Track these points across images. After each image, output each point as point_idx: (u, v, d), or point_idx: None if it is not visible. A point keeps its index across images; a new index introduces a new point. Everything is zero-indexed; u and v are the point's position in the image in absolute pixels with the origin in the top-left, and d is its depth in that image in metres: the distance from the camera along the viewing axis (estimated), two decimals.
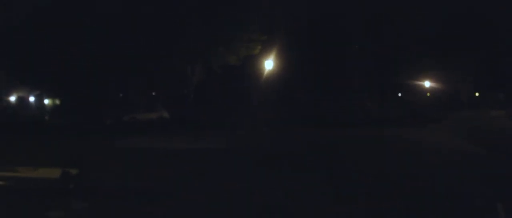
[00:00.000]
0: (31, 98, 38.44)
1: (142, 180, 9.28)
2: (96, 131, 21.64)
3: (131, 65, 25.91)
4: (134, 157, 13.06)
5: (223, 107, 30.88)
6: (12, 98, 37.60)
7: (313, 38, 33.58)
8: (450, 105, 38.59)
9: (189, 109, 28.81)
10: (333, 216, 7.01)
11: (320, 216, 7.04)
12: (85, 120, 25.38)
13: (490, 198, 7.57)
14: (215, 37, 25.67)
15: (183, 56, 26.50)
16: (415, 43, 36.25)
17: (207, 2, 25.01)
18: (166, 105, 30.78)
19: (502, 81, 40.20)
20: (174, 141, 17.44)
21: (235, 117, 27.38)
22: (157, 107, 29.91)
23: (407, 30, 35.77)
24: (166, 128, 23.71)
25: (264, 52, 26.99)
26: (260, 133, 21.80)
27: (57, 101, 36.91)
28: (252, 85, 30.61)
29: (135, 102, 31.36)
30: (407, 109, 33.27)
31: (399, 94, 42.75)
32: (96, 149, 14.91)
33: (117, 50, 24.82)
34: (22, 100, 37.91)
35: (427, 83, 39.34)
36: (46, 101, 38.85)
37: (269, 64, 26.06)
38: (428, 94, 42.94)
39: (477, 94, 45.41)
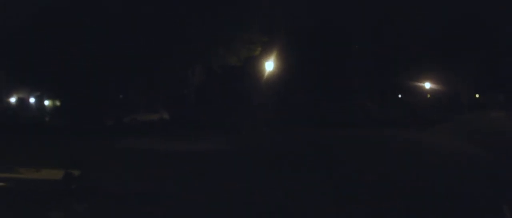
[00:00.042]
0: (32, 100, 38.41)
1: (144, 181, 9.26)
2: (97, 132, 21.61)
3: (131, 65, 25.91)
4: (135, 158, 13.05)
5: (223, 108, 30.86)
6: (13, 100, 37.57)
7: (313, 39, 33.60)
8: (450, 107, 38.59)
9: (189, 109, 28.84)
10: (333, 216, 7.00)
11: (320, 216, 7.03)
12: (85, 121, 25.36)
13: (491, 198, 7.58)
14: (215, 37, 25.71)
15: (183, 56, 26.53)
16: (415, 44, 36.26)
17: (207, 2, 25.03)
18: (166, 106, 30.78)
19: (502, 82, 40.23)
20: (174, 142, 17.43)
21: (235, 117, 27.36)
22: (157, 109, 29.92)
23: (407, 31, 35.78)
24: (166, 129, 23.70)
25: (264, 53, 27.03)
26: (260, 133, 21.80)
27: (58, 103, 36.90)
28: (252, 86, 30.62)
29: (135, 102, 31.36)
30: (407, 110, 33.25)
31: (400, 96, 42.76)
32: (97, 150, 14.90)
33: (117, 50, 24.81)
34: (22, 102, 37.87)
35: (427, 85, 39.38)
36: (46, 102, 38.83)
37: (269, 65, 26.10)
38: (429, 95, 42.96)
39: (477, 95, 45.42)
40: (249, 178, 9.80)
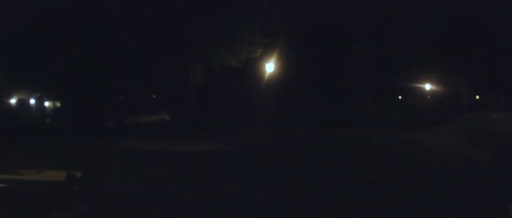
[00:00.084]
0: (32, 101, 38.41)
1: (145, 182, 9.25)
2: (97, 133, 21.60)
3: (131, 65, 25.92)
4: (136, 159, 13.04)
5: (223, 108, 30.89)
6: (13, 101, 37.57)
7: (313, 39, 33.62)
8: (451, 108, 38.56)
9: (189, 109, 28.85)
10: (333, 216, 7.00)
11: (320, 216, 7.02)
12: (85, 122, 25.37)
13: (491, 199, 7.59)
14: (215, 38, 25.72)
15: (183, 56, 26.54)
16: (415, 44, 36.25)
17: (207, 2, 25.03)
18: (166, 106, 30.79)
19: (502, 83, 40.20)
20: (175, 143, 17.43)
21: (235, 117, 27.38)
22: (157, 110, 29.94)
23: (407, 31, 35.78)
24: (167, 130, 23.71)
25: (264, 54, 27.06)
26: (260, 133, 21.79)
27: (58, 104, 36.92)
28: (253, 86, 30.64)
29: (135, 103, 31.38)
30: (408, 111, 33.25)
31: (400, 97, 42.74)
32: (98, 151, 14.88)
33: (117, 50, 24.82)
34: (22, 103, 37.86)
35: (427, 86, 39.38)
36: (47, 103, 38.84)
37: (270, 67, 26.13)
38: (429, 96, 42.93)
39: (477, 97, 45.41)
40: (249, 178, 9.80)
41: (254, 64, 28.31)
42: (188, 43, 25.74)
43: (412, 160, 12.98)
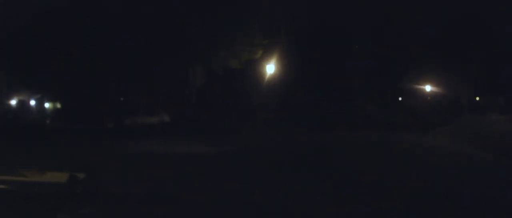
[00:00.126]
0: (32, 102, 38.41)
1: (147, 184, 9.25)
2: (98, 134, 21.57)
3: (131, 66, 25.93)
4: (137, 161, 13.03)
5: (223, 108, 30.90)
6: (13, 102, 37.55)
7: (313, 39, 33.63)
8: (451, 109, 38.56)
9: (189, 109, 28.85)
10: (333, 216, 7.00)
11: (320, 216, 7.02)
12: (86, 124, 25.34)
13: (491, 199, 7.59)
14: (215, 38, 25.73)
15: (183, 56, 26.54)
16: (415, 44, 36.26)
17: (207, 2, 25.04)
18: (166, 107, 30.77)
19: (502, 84, 40.22)
20: (175, 144, 17.43)
21: (236, 118, 27.38)
22: (157, 111, 29.92)
23: (407, 31, 35.79)
24: (167, 132, 23.70)
25: (265, 55, 27.10)
26: (261, 134, 21.79)
27: (58, 105, 36.92)
28: (253, 87, 30.68)
29: (136, 104, 31.35)
30: (408, 113, 33.24)
31: (400, 99, 42.74)
32: (99, 153, 14.86)
33: (117, 50, 24.83)
34: (23, 104, 37.84)
35: (428, 88, 39.39)
36: (47, 105, 38.84)
37: (270, 68, 26.17)
38: (429, 98, 42.93)
39: (477, 98, 45.44)
40: (249, 178, 9.81)
41: (254, 66, 28.35)
42: (188, 43, 25.76)
43: (412, 160, 12.98)
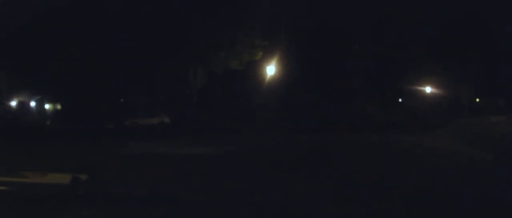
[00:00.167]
0: (32, 103, 38.39)
1: (146, 183, 9.25)
2: (98, 135, 21.56)
3: (131, 66, 25.94)
4: (137, 161, 13.03)
5: (224, 109, 30.90)
6: (13, 103, 37.54)
7: (313, 39, 33.64)
8: (451, 111, 38.58)
9: (190, 110, 28.85)
10: (333, 216, 6.99)
11: (320, 216, 7.02)
12: (86, 124, 25.35)
13: (491, 199, 7.59)
14: (216, 38, 25.73)
15: (183, 56, 26.54)
16: (415, 44, 36.26)
17: (207, 2, 25.04)
18: (166, 108, 30.78)
19: (502, 86, 40.25)
20: (175, 144, 17.42)
21: (236, 118, 27.38)
22: (158, 112, 29.93)
23: (407, 31, 35.79)
24: (167, 132, 23.69)
25: (265, 56, 27.11)
26: (261, 134, 21.78)
27: (58, 106, 36.93)
28: (253, 88, 30.68)
29: (136, 105, 31.36)
30: (408, 114, 33.25)
31: (400, 100, 42.74)
32: (99, 153, 14.87)
33: (117, 50, 24.84)
34: (23, 105, 37.84)
35: (428, 89, 39.39)
36: (47, 106, 38.83)
37: (271, 69, 26.18)
38: (429, 99, 42.92)
39: (477, 100, 45.47)
40: (249, 178, 9.81)
41: (255, 67, 28.37)
42: (188, 43, 25.77)
43: (412, 160, 12.98)
